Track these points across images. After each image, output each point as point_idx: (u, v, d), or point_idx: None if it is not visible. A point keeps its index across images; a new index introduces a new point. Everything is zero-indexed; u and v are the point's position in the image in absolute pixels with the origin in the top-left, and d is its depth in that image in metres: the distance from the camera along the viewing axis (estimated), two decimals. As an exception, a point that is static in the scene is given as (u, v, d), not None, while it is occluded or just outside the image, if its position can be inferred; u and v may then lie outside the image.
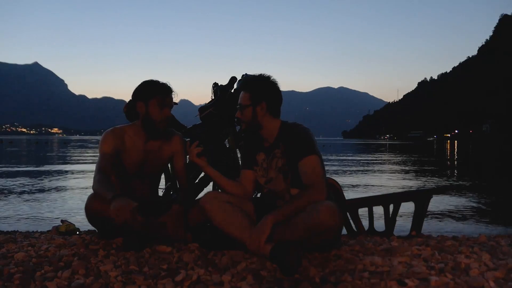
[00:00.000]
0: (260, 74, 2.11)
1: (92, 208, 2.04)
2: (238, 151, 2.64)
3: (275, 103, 2.08)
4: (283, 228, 1.92)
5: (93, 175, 2.08)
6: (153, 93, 2.16)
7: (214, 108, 2.66)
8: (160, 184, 2.50)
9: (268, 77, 2.09)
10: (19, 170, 10.71)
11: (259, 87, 2.06)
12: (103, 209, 2.02)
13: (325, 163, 2.08)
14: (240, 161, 2.41)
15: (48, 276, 1.64)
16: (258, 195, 2.35)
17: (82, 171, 10.50)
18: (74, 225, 2.91)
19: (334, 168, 12.09)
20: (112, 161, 2.16)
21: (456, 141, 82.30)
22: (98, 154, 2.19)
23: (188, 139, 2.43)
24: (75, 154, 20.35)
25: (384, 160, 17.45)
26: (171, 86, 2.21)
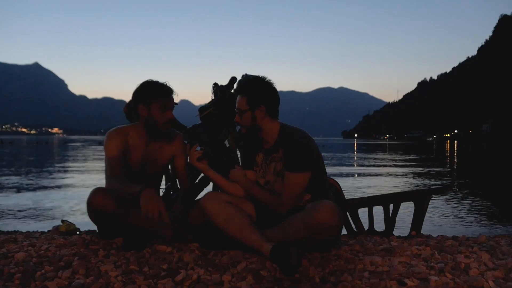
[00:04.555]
0: (256, 76, 2.09)
1: (94, 204, 2.03)
2: (238, 151, 2.64)
3: (273, 105, 2.06)
4: (283, 228, 1.92)
5: (100, 177, 2.08)
6: (155, 96, 2.13)
7: (214, 108, 2.66)
8: (160, 184, 2.50)
9: (264, 79, 2.06)
10: (19, 170, 10.71)
11: (256, 91, 2.04)
12: (105, 205, 2.02)
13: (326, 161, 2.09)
14: (240, 161, 2.41)
15: (49, 276, 1.64)
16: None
17: (82, 171, 10.50)
18: (74, 225, 2.91)
19: (334, 168, 12.09)
20: (121, 163, 2.14)
21: (456, 141, 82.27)
22: (102, 155, 2.17)
23: (188, 142, 2.42)
24: (75, 154, 20.35)
25: (390, 161, 17.45)
26: (171, 87, 2.19)
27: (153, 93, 2.13)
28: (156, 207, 1.90)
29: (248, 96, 2.03)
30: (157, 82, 2.18)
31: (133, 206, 2.11)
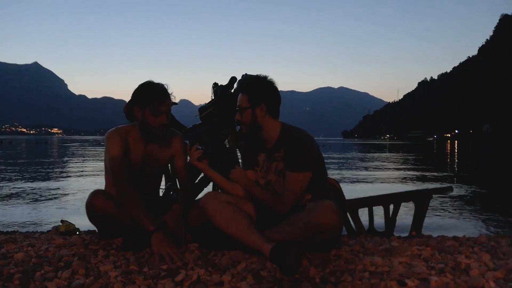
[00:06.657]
0: (257, 75, 2.11)
1: (93, 206, 2.03)
2: (238, 151, 2.64)
3: (274, 104, 2.08)
4: (283, 228, 1.92)
5: (102, 176, 2.04)
6: (148, 100, 2.09)
7: (214, 108, 2.66)
8: (160, 184, 2.50)
9: (265, 78, 2.08)
10: (19, 170, 10.71)
11: (257, 89, 2.06)
12: (104, 207, 2.01)
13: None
14: (240, 161, 2.41)
15: (48, 276, 1.63)
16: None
17: (82, 171, 10.50)
18: (74, 225, 2.91)
19: (334, 168, 12.09)
20: (123, 163, 2.11)
21: (456, 141, 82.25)
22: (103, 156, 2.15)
23: (188, 142, 2.42)
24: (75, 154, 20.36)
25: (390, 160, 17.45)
26: (168, 90, 2.15)
27: (147, 97, 2.10)
28: (170, 251, 1.87)
29: (249, 94, 2.05)
30: (154, 85, 2.13)
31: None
